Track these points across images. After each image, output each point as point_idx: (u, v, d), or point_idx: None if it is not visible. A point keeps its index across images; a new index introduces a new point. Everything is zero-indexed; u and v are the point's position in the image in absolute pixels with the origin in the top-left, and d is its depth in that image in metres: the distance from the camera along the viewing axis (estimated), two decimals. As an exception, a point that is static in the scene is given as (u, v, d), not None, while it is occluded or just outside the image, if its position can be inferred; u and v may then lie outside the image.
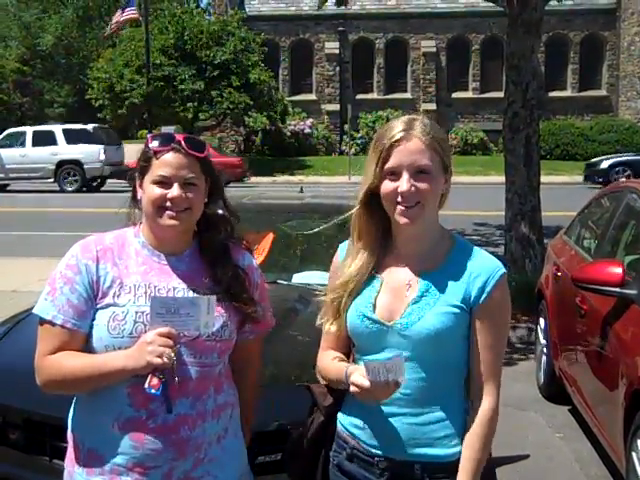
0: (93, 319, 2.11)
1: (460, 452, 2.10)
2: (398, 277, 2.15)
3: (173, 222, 2.10)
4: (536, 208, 8.74)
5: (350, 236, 2.25)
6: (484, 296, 2.08)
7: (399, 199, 2.06)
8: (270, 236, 5.17)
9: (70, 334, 2.09)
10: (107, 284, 2.12)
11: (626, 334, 4.11)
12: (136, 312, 2.07)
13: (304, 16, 38.79)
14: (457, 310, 2.08)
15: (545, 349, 6.11)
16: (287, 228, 5.75)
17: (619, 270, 4.27)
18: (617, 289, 4.26)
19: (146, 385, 1.97)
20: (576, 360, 5.15)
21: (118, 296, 2.11)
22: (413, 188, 2.05)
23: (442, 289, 2.09)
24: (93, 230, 2.48)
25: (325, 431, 2.30)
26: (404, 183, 2.05)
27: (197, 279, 2.16)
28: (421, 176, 2.06)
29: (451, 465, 2.09)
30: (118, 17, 29.38)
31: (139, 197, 2.18)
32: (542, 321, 6.26)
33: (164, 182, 2.10)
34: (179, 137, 2.14)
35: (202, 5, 47.80)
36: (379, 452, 2.14)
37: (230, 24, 33.40)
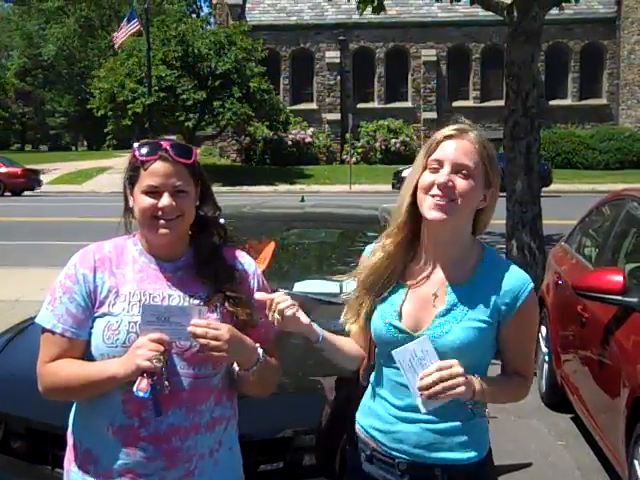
0: (92, 327, 2.12)
1: (480, 455, 2.14)
2: (425, 286, 2.15)
3: (165, 231, 2.09)
4: (537, 216, 8.74)
5: (382, 233, 2.25)
6: (513, 312, 2.10)
7: (434, 191, 2.05)
8: (272, 245, 5.17)
9: (70, 342, 2.11)
10: (104, 293, 2.13)
11: (627, 342, 4.11)
12: (129, 322, 2.08)
13: (305, 25, 38.90)
14: (484, 325, 2.09)
15: (547, 357, 6.11)
16: (288, 237, 5.76)
17: (620, 278, 4.27)
18: (618, 297, 4.26)
19: (134, 388, 1.96)
20: (578, 368, 5.14)
21: (113, 305, 2.11)
22: (450, 182, 2.04)
23: (470, 303, 2.09)
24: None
25: (334, 424, 2.33)
26: (443, 175, 2.05)
27: (194, 285, 2.15)
28: (461, 175, 2.05)
29: (472, 466, 2.12)
30: (123, 32, 29.47)
31: (131, 205, 2.16)
32: (543, 329, 6.25)
33: (154, 192, 2.08)
34: (165, 144, 2.11)
35: (203, 15, 47.96)
36: (400, 455, 2.16)
37: (232, 34, 33.48)
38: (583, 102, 38.64)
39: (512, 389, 2.17)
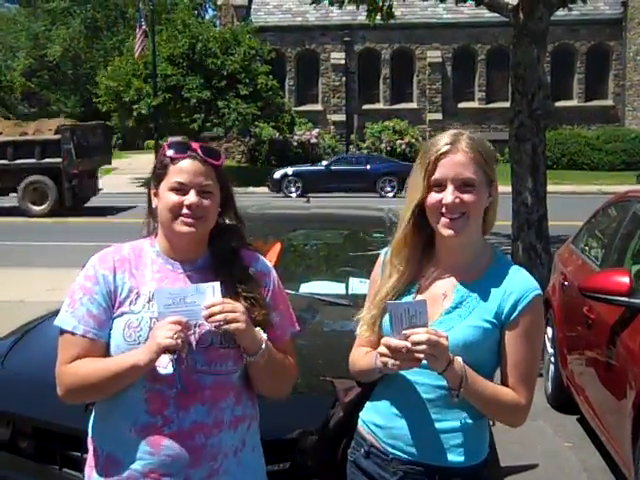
0: (111, 328, 2.13)
1: (477, 459, 2.14)
2: (435, 286, 2.19)
3: (189, 229, 2.11)
4: (543, 218, 8.73)
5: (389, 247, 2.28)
6: (515, 315, 2.11)
7: (443, 210, 2.10)
8: (277, 246, 5.18)
9: (91, 343, 2.12)
10: (124, 294, 2.14)
11: (634, 343, 4.10)
12: (150, 318, 2.09)
13: (310, 27, 38.89)
14: (488, 325, 2.11)
15: (553, 358, 6.11)
16: (294, 238, 5.77)
17: (626, 279, 4.27)
18: (624, 298, 4.26)
19: (157, 364, 2.00)
20: (584, 369, 5.14)
21: (134, 304, 2.13)
22: (457, 200, 2.08)
23: (476, 302, 2.13)
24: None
25: (344, 426, 2.34)
26: (448, 195, 2.09)
27: None
28: (466, 189, 2.09)
29: (467, 471, 2.12)
30: (139, 39, 29.55)
31: (154, 206, 2.18)
32: (550, 330, 6.25)
33: (181, 189, 2.10)
34: (195, 145, 2.15)
35: (208, 16, 48.02)
36: (395, 452, 2.17)
37: (239, 34, 33.49)
38: (589, 103, 38.56)
39: (502, 400, 2.10)
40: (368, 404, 2.29)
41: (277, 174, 28.35)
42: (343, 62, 38.81)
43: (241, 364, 2.16)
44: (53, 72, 57.08)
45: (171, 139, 2.23)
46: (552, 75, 36.65)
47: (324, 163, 29.29)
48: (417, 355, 1.96)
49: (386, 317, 2.15)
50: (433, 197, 2.11)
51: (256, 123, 33.51)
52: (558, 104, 37.14)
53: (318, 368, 3.60)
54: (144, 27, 29.17)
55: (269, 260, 5.14)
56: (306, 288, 4.75)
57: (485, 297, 2.12)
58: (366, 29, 37.45)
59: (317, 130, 37.56)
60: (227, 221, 2.29)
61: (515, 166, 8.84)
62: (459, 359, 2.03)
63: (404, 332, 1.98)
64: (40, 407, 3.18)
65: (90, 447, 2.23)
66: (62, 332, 2.15)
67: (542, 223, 8.72)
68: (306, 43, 39.17)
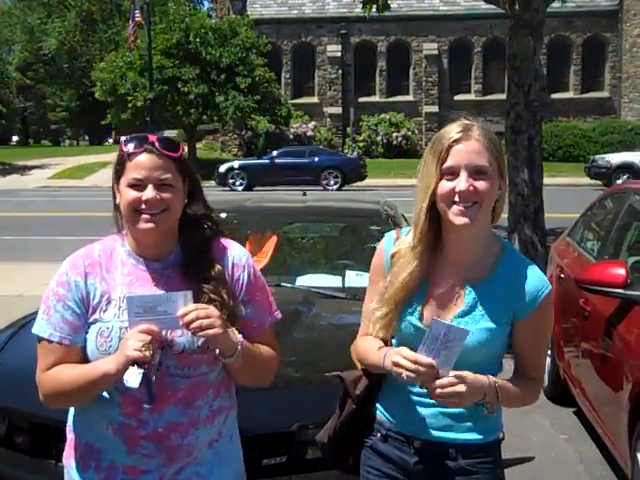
0: (87, 332, 2.12)
1: (495, 437, 2.20)
2: (446, 285, 2.16)
3: (149, 225, 2.06)
4: (539, 210, 8.74)
5: (406, 236, 2.24)
6: (528, 313, 2.12)
7: (456, 198, 2.06)
8: (274, 239, 5.18)
9: (67, 350, 2.11)
10: (96, 299, 2.12)
11: (630, 335, 4.10)
12: (120, 328, 2.07)
13: (306, 19, 38.84)
14: (501, 324, 2.12)
15: (549, 351, 6.11)
16: (291, 231, 5.77)
17: (622, 271, 4.27)
18: (621, 290, 4.25)
19: (124, 378, 1.95)
20: (580, 362, 5.14)
21: (105, 311, 2.11)
22: (471, 187, 2.05)
23: (489, 303, 2.12)
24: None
25: (357, 419, 2.34)
26: (462, 182, 2.05)
27: (182, 284, 2.10)
28: (479, 176, 2.06)
29: (486, 445, 2.18)
30: (131, 27, 29.51)
31: (117, 202, 2.14)
32: (546, 323, 6.24)
33: (138, 184, 2.06)
34: (152, 138, 2.10)
35: (204, 9, 47.88)
36: (414, 434, 2.20)
37: (237, 25, 33.39)
38: (585, 95, 38.56)
39: (524, 392, 2.17)
40: (383, 389, 2.29)
41: (222, 168, 28.56)
42: (339, 55, 38.77)
43: (215, 366, 2.13)
44: (49, 65, 56.93)
45: (130, 135, 2.18)
46: (548, 67, 36.70)
47: (269, 156, 29.37)
48: (438, 392, 1.99)
49: (400, 325, 2.16)
50: (446, 185, 2.07)
51: (252, 116, 33.47)
52: (554, 96, 37.14)
53: (315, 361, 3.60)
54: (137, 18, 29.11)
55: (265, 253, 5.13)
56: (302, 281, 4.75)
57: (497, 295, 2.12)
58: (362, 22, 37.39)
59: (313, 123, 37.52)
60: (198, 212, 2.22)
61: (511, 158, 8.84)
62: (492, 379, 2.06)
63: (434, 357, 1.97)
64: (36, 402, 3.15)
65: (69, 436, 2.23)
66: (39, 339, 2.14)
67: (538, 215, 8.73)
68: (302, 36, 39.12)
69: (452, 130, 2.10)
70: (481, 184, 2.06)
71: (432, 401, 2.11)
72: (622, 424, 3.92)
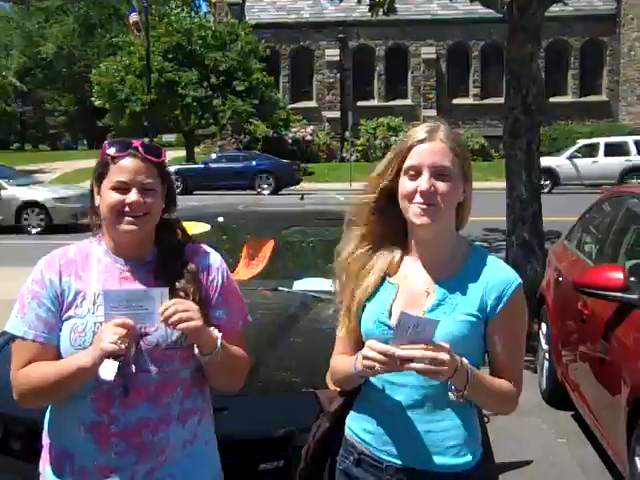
0: (60, 330, 2.13)
1: (474, 459, 2.11)
2: (415, 284, 2.14)
3: (132, 227, 2.10)
4: (537, 213, 8.73)
5: (350, 234, 2.23)
6: (500, 307, 2.09)
7: (417, 198, 2.06)
8: (271, 243, 5.17)
9: (42, 348, 2.12)
10: (70, 297, 2.14)
11: (628, 339, 4.10)
12: (95, 323, 2.08)
13: (304, 24, 38.88)
14: (473, 319, 2.08)
15: (547, 354, 6.10)
16: (288, 235, 5.76)
17: (620, 275, 4.27)
18: (618, 294, 4.26)
19: (99, 371, 1.95)
20: (578, 365, 5.14)
21: (79, 307, 2.12)
22: (432, 188, 2.05)
23: (459, 297, 2.09)
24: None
25: (331, 437, 2.29)
26: (424, 182, 2.05)
27: (158, 283, 2.13)
28: (441, 177, 2.06)
29: (463, 473, 2.09)
30: (133, 25, 29.69)
31: (97, 204, 2.17)
32: (544, 326, 6.25)
33: (122, 187, 2.10)
34: (136, 143, 2.14)
35: (202, 13, 47.96)
36: (389, 458, 2.12)
37: (237, 29, 33.45)
38: (583, 99, 38.62)
39: (497, 389, 2.09)
40: (354, 411, 2.23)
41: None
42: (337, 59, 38.82)
43: (189, 364, 2.15)
44: (47, 70, 56.94)
45: (113, 139, 2.22)
46: (546, 71, 36.67)
47: (205, 161, 29.24)
48: (413, 366, 1.91)
49: (366, 317, 2.14)
50: (407, 184, 2.08)
51: (250, 120, 33.49)
52: (552, 100, 37.17)
53: (311, 365, 3.58)
54: (134, 18, 29.19)
55: (262, 257, 5.11)
56: (299, 285, 4.74)
57: (467, 291, 2.09)
58: (360, 26, 37.50)
59: (311, 127, 37.54)
60: (172, 216, 2.28)
61: (509, 162, 8.84)
62: (465, 361, 1.99)
63: (405, 346, 1.91)
64: (32, 407, 3.15)
65: (44, 441, 2.24)
66: (13, 338, 2.15)
67: (536, 219, 8.72)
68: (300, 40, 39.17)
69: (417, 131, 2.12)
70: (442, 185, 2.06)
71: (405, 420, 2.07)
72: (620, 427, 3.91)
